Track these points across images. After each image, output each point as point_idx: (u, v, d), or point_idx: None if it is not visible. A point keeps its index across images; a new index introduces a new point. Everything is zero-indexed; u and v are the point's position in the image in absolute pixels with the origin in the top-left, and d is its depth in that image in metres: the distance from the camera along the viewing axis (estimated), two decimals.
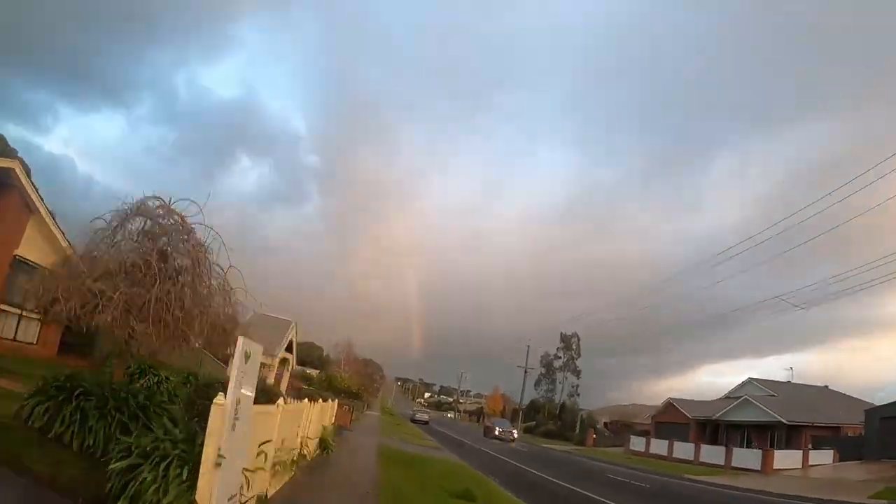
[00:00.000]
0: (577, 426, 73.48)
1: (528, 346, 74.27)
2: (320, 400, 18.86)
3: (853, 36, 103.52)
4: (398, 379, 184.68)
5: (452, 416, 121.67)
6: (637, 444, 54.88)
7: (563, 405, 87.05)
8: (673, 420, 56.94)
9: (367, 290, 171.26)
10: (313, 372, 66.84)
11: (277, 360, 40.35)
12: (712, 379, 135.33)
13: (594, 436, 63.17)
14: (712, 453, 44.53)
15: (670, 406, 59.86)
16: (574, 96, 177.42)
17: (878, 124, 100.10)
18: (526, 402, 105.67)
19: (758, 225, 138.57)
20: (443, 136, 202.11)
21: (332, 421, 21.99)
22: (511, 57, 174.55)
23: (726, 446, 44.82)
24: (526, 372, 75.45)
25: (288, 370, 48.51)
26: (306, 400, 14.54)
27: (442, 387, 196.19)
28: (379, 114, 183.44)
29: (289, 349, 44.72)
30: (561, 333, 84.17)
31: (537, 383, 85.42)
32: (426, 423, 63.30)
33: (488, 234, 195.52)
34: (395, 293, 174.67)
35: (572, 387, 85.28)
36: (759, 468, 38.21)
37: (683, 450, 47.43)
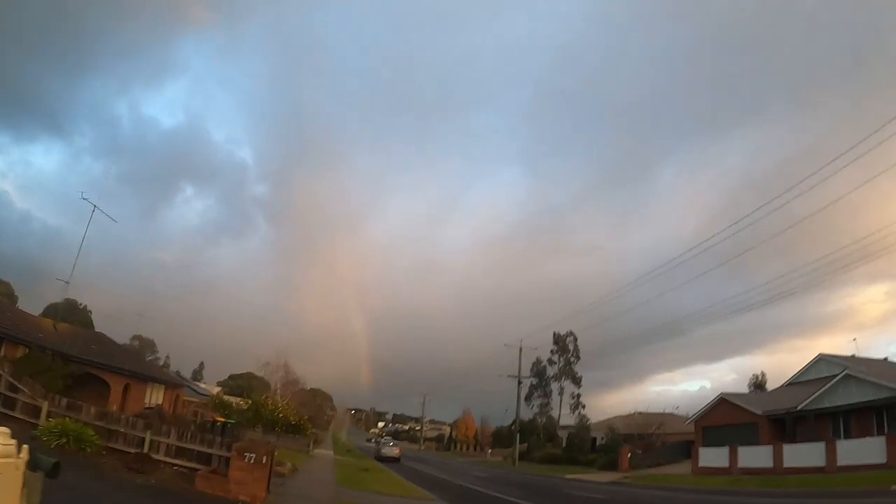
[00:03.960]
0: (591, 446, 58.07)
1: (521, 348, 58.66)
2: None
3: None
4: (350, 409, 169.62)
5: (419, 446, 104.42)
6: (708, 457, 40.00)
7: (549, 421, 72.06)
8: (727, 421, 43.37)
9: (316, 321, 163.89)
10: (235, 399, 49.12)
11: None
12: (664, 388, 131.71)
13: (629, 456, 47.91)
14: (799, 454, 33.02)
15: (723, 404, 45.89)
16: (523, 118, 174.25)
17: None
18: (507, 422, 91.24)
19: (705, 234, 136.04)
20: (393, 162, 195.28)
21: None
22: (460, 80, 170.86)
23: (827, 441, 32.19)
24: (520, 383, 59.83)
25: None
26: None
27: (395, 415, 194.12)
28: (328, 140, 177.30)
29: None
30: (554, 333, 69.04)
31: (528, 397, 69.68)
32: (397, 459, 46.66)
33: (440, 260, 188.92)
34: (345, 324, 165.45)
35: (573, 397, 69.97)
36: (884, 461, 27.36)
37: (752, 456, 35.90)
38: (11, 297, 54.05)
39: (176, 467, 14.68)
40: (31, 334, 27.78)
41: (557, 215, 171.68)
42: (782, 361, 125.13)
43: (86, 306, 74.87)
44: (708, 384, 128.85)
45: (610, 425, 60.70)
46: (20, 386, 16.59)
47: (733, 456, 36.76)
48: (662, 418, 59.54)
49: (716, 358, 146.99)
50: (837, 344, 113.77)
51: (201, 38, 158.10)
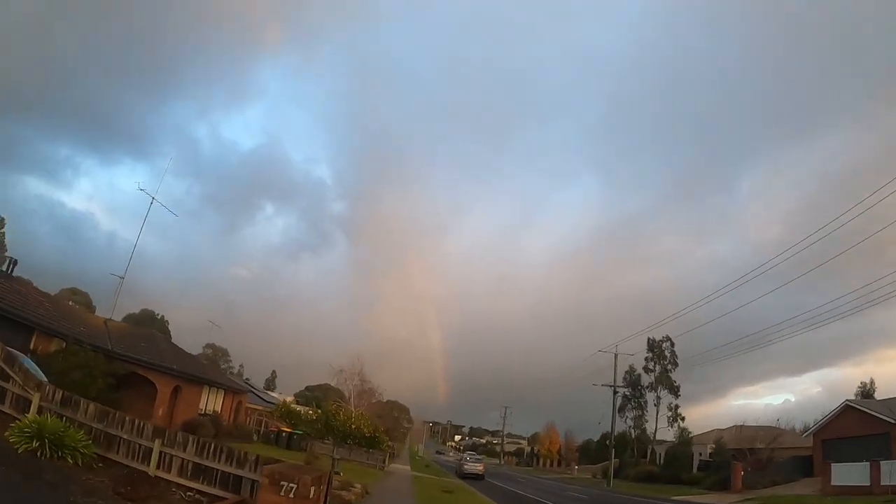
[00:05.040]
0: (695, 464, 50.81)
1: (616, 354, 51.92)
2: None
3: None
4: (427, 422, 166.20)
5: (499, 461, 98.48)
6: (842, 473, 32.75)
7: (642, 435, 64.67)
8: (853, 433, 37.16)
9: (393, 335, 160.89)
10: (304, 408, 45.20)
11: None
12: (746, 402, 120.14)
13: (742, 474, 40.79)
14: None
15: (848, 412, 39.17)
16: (598, 127, 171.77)
17: None
18: (594, 436, 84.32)
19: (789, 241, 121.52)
20: (469, 177, 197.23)
21: None
22: (532, 91, 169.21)
23: None
24: (616, 392, 53.03)
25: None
26: None
27: (472, 428, 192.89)
28: (404, 156, 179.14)
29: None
30: (648, 339, 61.53)
31: (621, 408, 62.39)
32: (481, 476, 41.34)
33: (517, 274, 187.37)
34: (422, 338, 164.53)
35: (670, 408, 62.11)
36: None
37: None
38: (89, 307, 52.86)
39: (190, 493, 10.11)
40: (72, 328, 24.46)
41: (634, 225, 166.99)
42: (871, 373, 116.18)
43: (163, 317, 74.11)
44: (792, 398, 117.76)
45: (716, 439, 53.04)
46: (12, 374, 12.50)
47: (875, 472, 30.25)
48: (767, 431, 51.96)
49: (800, 371, 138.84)
50: None
51: (277, 59, 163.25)
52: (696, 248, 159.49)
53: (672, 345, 62.12)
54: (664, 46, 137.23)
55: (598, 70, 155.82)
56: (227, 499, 9.51)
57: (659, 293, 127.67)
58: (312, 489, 7.63)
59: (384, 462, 35.52)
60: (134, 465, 10.89)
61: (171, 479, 10.53)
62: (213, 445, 10.36)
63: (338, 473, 16.55)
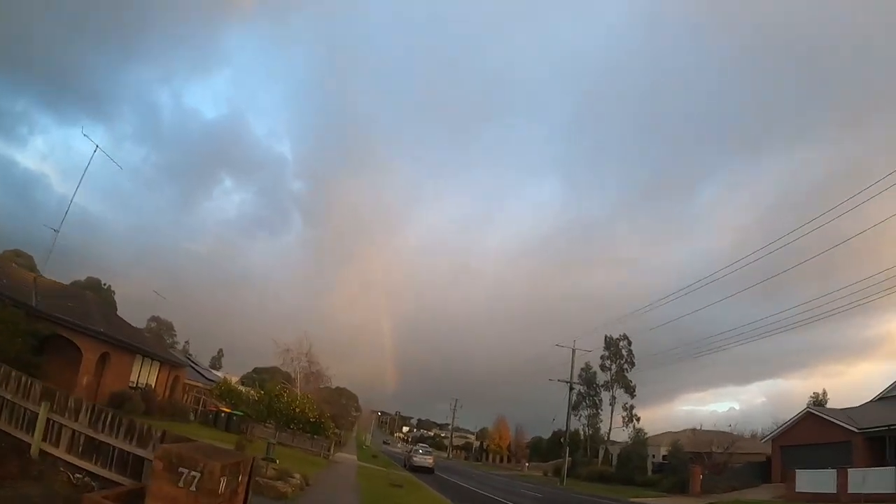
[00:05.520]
0: (650, 466, 50.23)
1: (574, 350, 50.68)
2: None
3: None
4: (376, 411, 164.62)
5: (447, 455, 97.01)
6: (807, 480, 32.23)
7: (595, 434, 64.24)
8: (813, 440, 37.50)
9: (345, 322, 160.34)
10: (245, 389, 42.62)
11: None
12: (693, 408, 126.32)
13: (700, 478, 40.09)
14: None
15: (809, 419, 39.30)
16: (563, 128, 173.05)
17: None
18: (547, 433, 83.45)
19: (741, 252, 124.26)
20: (431, 167, 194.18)
21: None
22: (502, 88, 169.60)
23: None
24: (572, 388, 51.88)
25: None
26: None
27: (420, 420, 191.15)
28: (368, 141, 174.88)
29: None
30: (606, 337, 60.58)
31: (575, 406, 61.30)
32: (430, 470, 39.55)
33: (473, 267, 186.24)
34: (374, 326, 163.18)
35: (625, 408, 61.43)
36: None
37: (870, 479, 28.82)
38: (33, 270, 49.18)
39: (80, 474, 7.99)
40: None
41: (593, 227, 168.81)
42: (817, 386, 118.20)
43: (109, 286, 70.31)
44: (737, 406, 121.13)
45: (673, 442, 52.58)
46: None
47: (843, 480, 29.76)
48: (722, 436, 51.87)
49: (746, 380, 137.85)
50: (878, 370, 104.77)
51: (248, 30, 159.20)
52: (652, 253, 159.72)
53: (629, 343, 61.67)
54: (635, 53, 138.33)
55: (568, 72, 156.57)
56: (122, 485, 7.40)
57: (614, 295, 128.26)
58: (223, 480, 5.62)
59: (329, 450, 33.37)
60: (18, 434, 8.74)
61: (59, 455, 8.38)
62: (110, 415, 8.20)
63: (273, 461, 14.48)
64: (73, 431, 8.36)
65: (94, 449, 8.19)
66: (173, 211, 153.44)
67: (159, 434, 7.86)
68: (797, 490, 32.19)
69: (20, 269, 28.57)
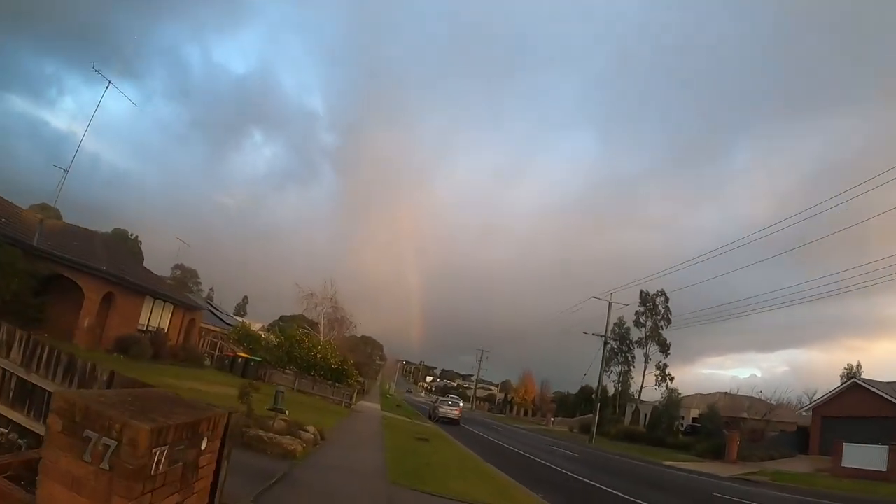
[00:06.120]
0: (681, 429, 48.32)
1: (610, 302, 48.20)
2: None
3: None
4: (400, 360, 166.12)
5: (470, 406, 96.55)
6: (854, 455, 29.80)
7: (624, 392, 62.30)
8: (858, 413, 35.44)
9: (374, 272, 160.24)
10: (262, 331, 41.23)
11: None
12: (713, 371, 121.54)
13: (737, 444, 37.99)
14: None
15: (856, 391, 37.15)
16: (598, 83, 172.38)
17: None
18: (574, 388, 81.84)
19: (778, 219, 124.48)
20: (462, 121, 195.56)
21: None
22: (536, 37, 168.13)
23: None
24: (606, 342, 49.64)
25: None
26: None
27: (443, 371, 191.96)
28: (399, 94, 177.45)
29: None
30: (641, 292, 57.60)
31: (607, 363, 59.08)
32: (456, 422, 38.14)
33: (503, 223, 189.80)
34: (402, 277, 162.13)
35: (659, 367, 59.15)
36: None
37: None
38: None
39: (4, 430, 5.96)
40: None
41: (626, 186, 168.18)
42: (839, 359, 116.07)
43: (136, 237, 69.58)
44: (758, 373, 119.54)
45: (710, 404, 50.32)
46: None
47: (894, 457, 27.66)
48: (755, 403, 49.61)
49: (769, 348, 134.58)
50: None
51: None
52: (685, 215, 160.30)
53: (666, 300, 58.78)
54: (674, 8, 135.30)
55: (605, 23, 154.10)
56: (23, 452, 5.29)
57: (645, 256, 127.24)
58: (159, 453, 3.43)
59: (351, 399, 31.82)
60: None
61: None
62: (46, 349, 6.06)
63: (282, 412, 12.51)
64: (3, 371, 6.26)
65: (27, 395, 6.10)
66: (204, 165, 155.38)
67: (105, 376, 5.70)
68: (843, 465, 29.97)
69: (26, 211, 26.87)
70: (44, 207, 51.95)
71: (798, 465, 34.14)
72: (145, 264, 36.96)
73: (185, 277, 77.14)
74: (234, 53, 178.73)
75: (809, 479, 28.59)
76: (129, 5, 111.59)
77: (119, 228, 67.19)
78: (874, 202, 30.39)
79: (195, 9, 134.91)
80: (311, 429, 12.65)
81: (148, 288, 25.46)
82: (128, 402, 4.00)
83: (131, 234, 68.75)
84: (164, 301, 27.32)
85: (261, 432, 10.42)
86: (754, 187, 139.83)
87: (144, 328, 25.37)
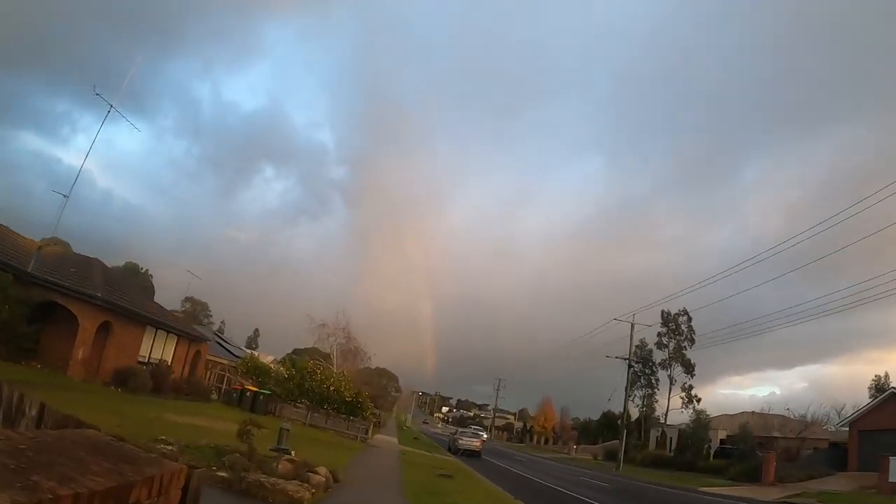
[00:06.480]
0: (710, 451, 45.96)
1: (633, 324, 46.22)
2: None
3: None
4: (416, 391, 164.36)
5: (489, 436, 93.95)
6: None
7: (649, 415, 59.75)
8: None
9: (386, 304, 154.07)
10: (273, 364, 39.61)
11: None
12: (732, 391, 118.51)
13: (774, 465, 35.71)
14: None
15: (893, 401, 35.51)
16: (605, 106, 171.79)
17: None
18: (595, 414, 79.14)
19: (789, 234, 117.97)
20: (472, 149, 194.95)
21: None
22: (542, 64, 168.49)
23: None
24: (630, 366, 47.54)
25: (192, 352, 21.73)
26: None
27: (459, 401, 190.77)
28: (409, 125, 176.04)
29: None
30: (662, 312, 55.51)
31: (631, 385, 56.55)
32: (477, 454, 35.99)
33: (515, 249, 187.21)
34: (414, 307, 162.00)
35: (684, 388, 56.56)
36: None
37: None
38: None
39: None
40: None
41: (636, 208, 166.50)
42: (859, 372, 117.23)
43: (147, 270, 69.20)
44: (777, 391, 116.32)
45: (741, 425, 48.00)
46: None
47: None
48: (790, 421, 47.14)
49: (787, 364, 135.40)
50: None
51: (285, 20, 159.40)
52: (696, 234, 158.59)
53: (689, 319, 56.54)
54: (677, 28, 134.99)
55: (610, 47, 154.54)
56: None
57: (657, 277, 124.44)
58: None
59: (367, 433, 29.97)
60: None
61: None
62: None
63: (287, 452, 10.88)
64: None
65: None
66: (215, 200, 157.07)
67: (34, 411, 4.19)
68: (890, 479, 27.92)
69: (25, 238, 25.77)
70: (54, 241, 51.26)
71: (841, 484, 32.27)
72: (156, 298, 36.01)
73: (196, 310, 76.11)
74: (243, 89, 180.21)
75: (858, 499, 27.11)
76: (140, 44, 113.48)
77: (131, 262, 66.75)
78: (885, 213, 29.88)
79: (205, 46, 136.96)
80: (322, 470, 10.99)
81: (149, 317, 24.06)
82: (25, 450, 2.47)
83: (142, 268, 68.28)
84: (168, 332, 25.91)
85: (262, 477, 8.84)
86: (763, 204, 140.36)
87: (145, 360, 23.92)
